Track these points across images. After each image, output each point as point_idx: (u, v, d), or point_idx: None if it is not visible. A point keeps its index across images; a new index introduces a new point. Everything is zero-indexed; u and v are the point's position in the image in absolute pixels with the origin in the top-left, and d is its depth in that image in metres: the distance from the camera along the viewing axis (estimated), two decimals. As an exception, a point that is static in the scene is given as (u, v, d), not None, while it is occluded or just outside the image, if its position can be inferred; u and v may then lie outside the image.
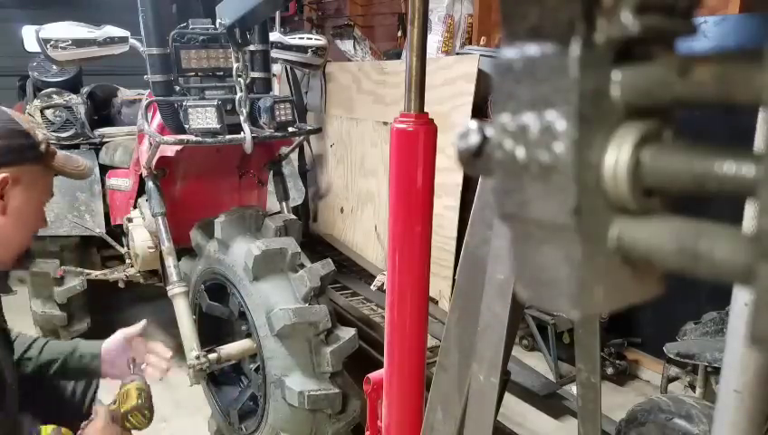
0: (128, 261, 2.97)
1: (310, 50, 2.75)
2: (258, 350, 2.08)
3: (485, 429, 1.14)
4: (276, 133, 2.32)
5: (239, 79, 2.20)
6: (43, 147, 1.26)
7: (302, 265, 2.13)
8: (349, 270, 3.95)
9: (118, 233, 3.06)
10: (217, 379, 2.47)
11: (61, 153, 1.34)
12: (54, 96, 3.25)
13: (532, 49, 0.31)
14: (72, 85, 3.46)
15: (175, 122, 2.25)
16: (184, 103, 2.17)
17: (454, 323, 1.22)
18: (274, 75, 3.52)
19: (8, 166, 1.18)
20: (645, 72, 0.30)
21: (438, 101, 3.11)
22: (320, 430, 2.07)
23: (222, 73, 2.34)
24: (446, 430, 1.25)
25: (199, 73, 2.32)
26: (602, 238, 0.31)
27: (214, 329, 2.44)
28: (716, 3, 2.76)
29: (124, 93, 3.79)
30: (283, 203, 2.69)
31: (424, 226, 1.36)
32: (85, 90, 3.49)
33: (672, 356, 2.31)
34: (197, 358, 2.04)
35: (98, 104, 3.60)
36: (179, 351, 2.08)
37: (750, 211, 0.75)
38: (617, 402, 2.59)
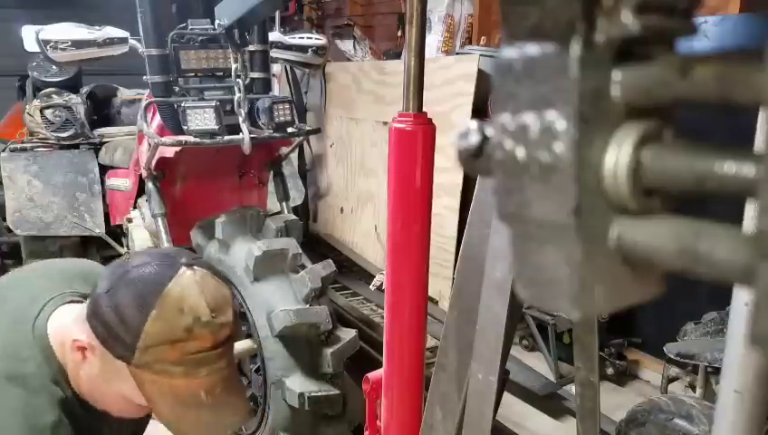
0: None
1: (310, 49, 2.75)
2: (258, 350, 2.08)
3: (484, 428, 1.14)
4: (275, 134, 2.31)
5: (238, 79, 2.20)
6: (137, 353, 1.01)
7: (302, 266, 2.13)
8: (348, 270, 3.94)
9: (118, 233, 3.06)
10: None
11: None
12: (54, 96, 3.25)
13: (532, 49, 0.31)
14: (72, 85, 3.46)
15: (174, 123, 2.25)
16: (182, 104, 2.17)
17: (452, 322, 1.22)
18: (274, 75, 3.52)
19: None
20: (645, 71, 0.30)
21: (438, 101, 3.11)
22: (320, 431, 2.07)
23: (221, 74, 2.34)
24: (445, 429, 1.25)
25: (198, 74, 2.32)
26: (602, 238, 0.31)
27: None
28: (716, 3, 2.76)
29: (124, 93, 3.80)
30: (284, 203, 2.69)
31: (423, 225, 1.36)
32: (85, 90, 3.49)
33: (672, 356, 2.31)
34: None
35: (97, 104, 3.60)
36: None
37: (750, 211, 0.75)
38: (617, 402, 2.58)
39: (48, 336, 1.07)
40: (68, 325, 1.07)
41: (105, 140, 3.31)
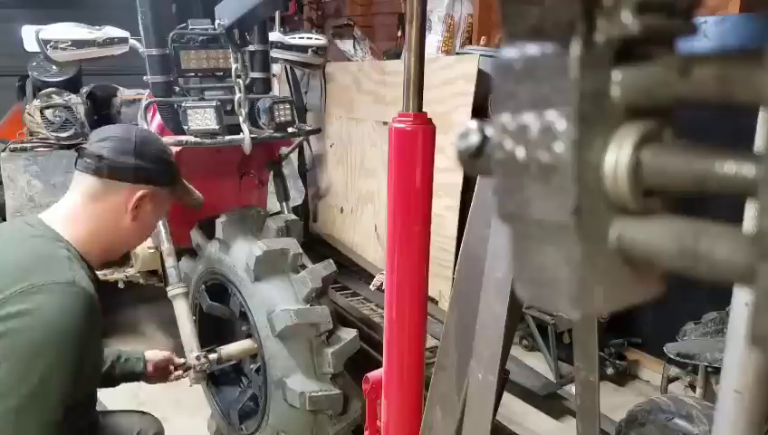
0: (128, 261, 2.97)
1: (310, 50, 2.75)
2: (259, 350, 2.08)
3: (484, 427, 1.14)
4: (275, 134, 2.32)
5: (238, 80, 2.20)
6: (177, 176, 1.45)
7: (303, 266, 2.13)
8: (348, 270, 3.94)
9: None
10: (218, 379, 2.46)
11: (184, 183, 1.50)
12: (54, 96, 3.25)
13: (533, 49, 0.31)
14: (72, 85, 3.46)
15: (174, 123, 2.25)
16: (183, 104, 2.17)
17: (452, 322, 1.23)
18: (274, 75, 3.52)
19: (152, 185, 1.35)
20: (645, 72, 0.30)
21: (438, 101, 3.11)
22: (321, 430, 2.07)
23: (221, 74, 2.34)
24: (445, 428, 1.25)
25: (199, 74, 2.32)
26: (602, 238, 0.31)
27: (214, 329, 2.44)
28: (716, 3, 2.76)
29: (124, 93, 3.79)
30: (284, 203, 2.69)
31: (423, 225, 1.36)
32: (85, 90, 3.49)
33: (672, 356, 2.31)
34: (198, 358, 2.04)
35: (97, 104, 3.59)
36: (180, 351, 2.08)
37: (750, 211, 0.75)
38: (617, 402, 2.58)
39: (58, 234, 1.28)
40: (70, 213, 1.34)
41: (105, 140, 3.30)
